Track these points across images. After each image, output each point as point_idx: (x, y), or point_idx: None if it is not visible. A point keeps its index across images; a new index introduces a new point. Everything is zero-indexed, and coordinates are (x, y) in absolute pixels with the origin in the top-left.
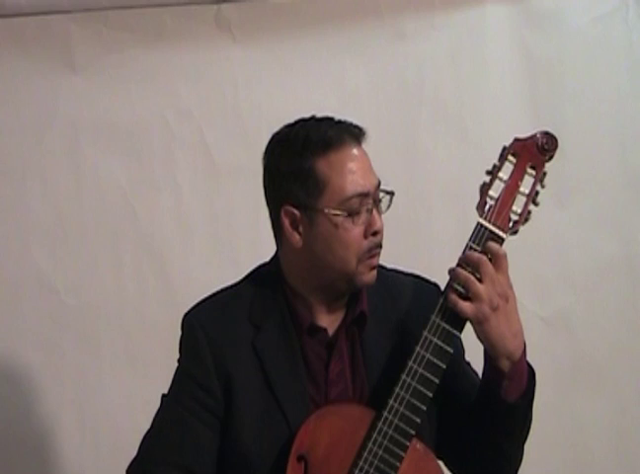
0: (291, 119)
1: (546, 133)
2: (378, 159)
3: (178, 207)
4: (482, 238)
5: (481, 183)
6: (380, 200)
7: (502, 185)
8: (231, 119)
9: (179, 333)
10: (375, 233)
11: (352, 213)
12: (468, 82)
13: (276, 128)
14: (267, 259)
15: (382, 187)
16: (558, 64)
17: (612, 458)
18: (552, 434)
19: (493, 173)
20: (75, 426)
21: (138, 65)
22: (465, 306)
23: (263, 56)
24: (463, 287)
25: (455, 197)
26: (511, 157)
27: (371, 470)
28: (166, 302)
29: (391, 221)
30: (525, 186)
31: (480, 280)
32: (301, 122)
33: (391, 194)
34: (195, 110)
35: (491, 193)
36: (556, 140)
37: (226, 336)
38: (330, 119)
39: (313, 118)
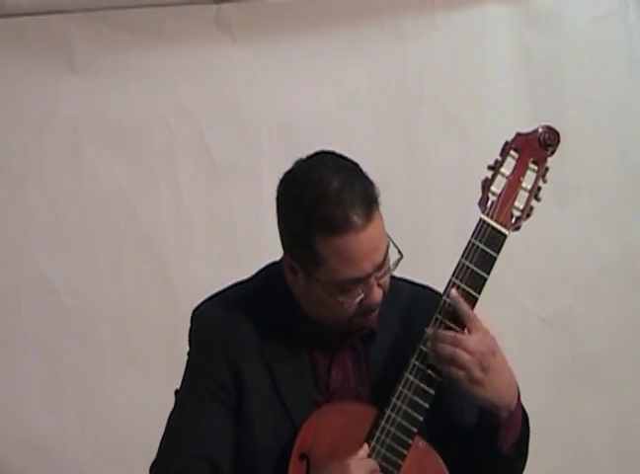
0: (291, 120)
1: (548, 128)
2: (378, 159)
3: (178, 207)
4: (484, 235)
5: (483, 178)
6: (388, 268)
7: (504, 180)
8: (231, 119)
9: (179, 332)
10: (369, 305)
11: (345, 292)
12: (468, 82)
13: (275, 128)
14: (266, 259)
15: (392, 244)
16: (558, 64)
17: (612, 458)
18: (552, 434)
19: (495, 168)
20: (75, 426)
21: (138, 65)
22: (457, 374)
23: (263, 56)
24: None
25: (455, 197)
26: (513, 152)
27: (375, 463)
28: (166, 302)
29: (391, 221)
30: (527, 181)
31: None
32: (316, 175)
33: (400, 257)
34: (195, 110)
35: (493, 188)
36: (558, 135)
37: (235, 336)
38: (342, 187)
39: (328, 174)
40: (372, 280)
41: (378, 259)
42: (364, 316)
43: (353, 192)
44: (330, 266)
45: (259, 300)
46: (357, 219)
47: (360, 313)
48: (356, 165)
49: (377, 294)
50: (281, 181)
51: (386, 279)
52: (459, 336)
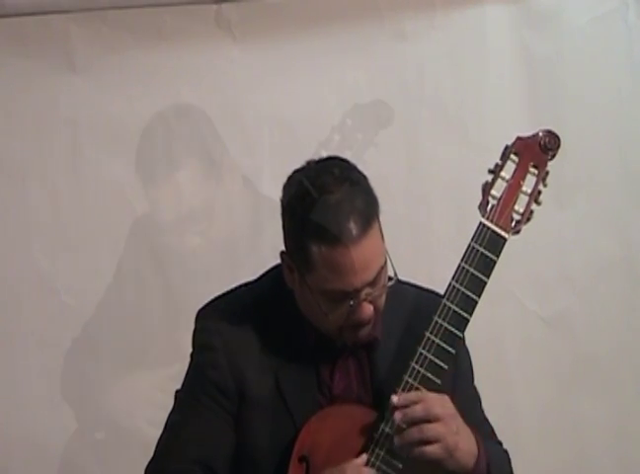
0: (291, 120)
1: (549, 132)
2: (379, 159)
3: (178, 207)
4: (484, 238)
5: (483, 182)
6: (382, 286)
7: (504, 184)
8: (231, 119)
9: (179, 333)
10: (358, 320)
11: (332, 303)
12: (468, 82)
13: (275, 128)
14: (267, 260)
15: (389, 260)
16: (558, 64)
17: (612, 458)
18: (552, 434)
19: (495, 172)
20: (75, 426)
21: (138, 65)
22: (433, 450)
23: (263, 56)
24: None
25: (455, 198)
26: (513, 156)
27: (373, 471)
28: (166, 302)
29: (391, 221)
30: (528, 185)
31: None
32: (319, 182)
33: (394, 278)
34: (195, 110)
35: (493, 192)
36: (559, 139)
37: (241, 343)
38: (342, 199)
39: (331, 183)
40: (362, 296)
41: (367, 277)
42: (354, 331)
43: (352, 206)
44: (319, 273)
45: (264, 305)
46: (349, 234)
47: (349, 327)
48: (363, 178)
49: (366, 311)
50: (289, 177)
51: (379, 297)
52: (423, 410)
